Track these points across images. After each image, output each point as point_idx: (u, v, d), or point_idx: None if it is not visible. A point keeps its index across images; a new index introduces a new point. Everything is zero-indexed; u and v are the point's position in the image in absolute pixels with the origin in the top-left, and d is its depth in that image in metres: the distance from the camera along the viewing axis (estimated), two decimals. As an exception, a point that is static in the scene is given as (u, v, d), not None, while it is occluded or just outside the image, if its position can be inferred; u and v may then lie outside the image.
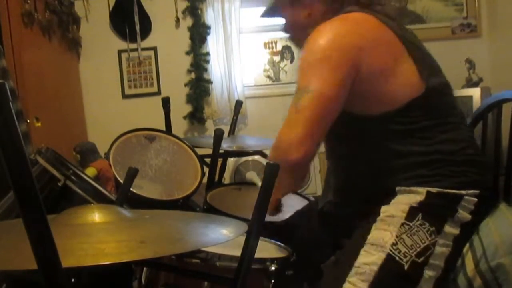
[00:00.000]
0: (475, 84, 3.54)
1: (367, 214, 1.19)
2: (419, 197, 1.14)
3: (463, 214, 1.14)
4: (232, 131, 2.60)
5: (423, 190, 1.15)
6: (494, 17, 3.90)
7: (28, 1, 3.03)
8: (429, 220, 1.12)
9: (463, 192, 1.15)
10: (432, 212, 1.14)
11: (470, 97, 3.20)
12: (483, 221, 1.17)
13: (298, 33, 1.37)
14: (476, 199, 1.15)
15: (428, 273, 1.10)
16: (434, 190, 1.14)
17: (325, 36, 1.19)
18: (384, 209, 1.17)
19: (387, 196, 1.18)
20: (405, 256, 1.10)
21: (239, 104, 2.64)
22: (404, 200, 1.15)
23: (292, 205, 1.68)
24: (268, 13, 1.48)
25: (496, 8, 3.87)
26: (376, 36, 1.20)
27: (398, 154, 1.19)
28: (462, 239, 1.14)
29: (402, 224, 1.12)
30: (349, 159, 1.30)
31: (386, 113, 1.18)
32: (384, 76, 1.17)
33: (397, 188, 1.17)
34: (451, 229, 1.13)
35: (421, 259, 1.10)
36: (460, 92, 3.30)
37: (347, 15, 1.23)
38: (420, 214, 1.13)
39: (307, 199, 1.96)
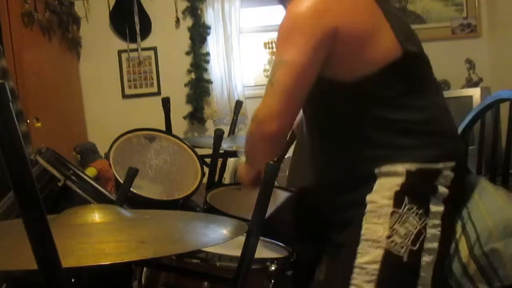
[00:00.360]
0: (475, 84, 3.54)
1: (353, 204, 1.18)
2: (400, 179, 1.14)
3: (442, 189, 1.14)
4: (232, 131, 2.60)
5: (402, 169, 1.14)
6: (494, 17, 3.90)
7: (28, 1, 3.03)
8: (415, 202, 1.12)
9: (440, 165, 1.14)
10: (416, 193, 1.13)
11: (470, 97, 3.20)
12: (471, 200, 1.17)
13: None
14: (452, 175, 1.15)
15: (425, 259, 1.10)
16: (412, 167, 1.14)
17: (301, 4, 1.17)
18: (369, 198, 1.16)
19: (368, 181, 1.17)
20: (402, 247, 1.09)
21: (239, 104, 2.64)
22: (387, 184, 1.14)
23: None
24: None
25: (496, 8, 3.87)
26: (354, 2, 1.19)
27: (376, 122, 1.18)
28: (448, 216, 1.14)
29: (392, 213, 1.12)
30: (329, 135, 1.28)
31: (363, 77, 1.16)
32: (363, 40, 1.16)
33: (376, 170, 1.16)
34: (436, 208, 1.13)
35: (417, 246, 1.10)
36: (460, 92, 3.30)
37: None
38: (406, 198, 1.12)
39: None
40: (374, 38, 1.17)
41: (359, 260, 1.11)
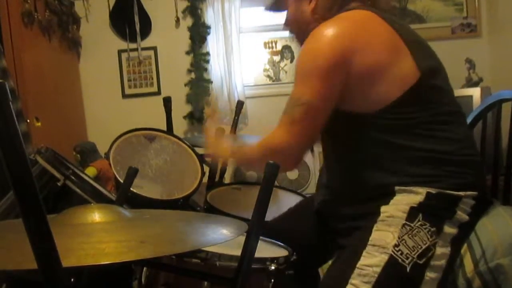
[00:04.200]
0: (475, 84, 3.54)
1: (366, 214, 1.18)
2: (419, 198, 1.14)
3: (461, 215, 1.14)
4: (233, 131, 2.59)
5: (422, 190, 1.14)
6: (494, 17, 3.90)
7: (28, 1, 3.03)
8: (429, 220, 1.12)
9: (461, 193, 1.15)
10: (432, 213, 1.13)
11: (470, 97, 3.20)
12: (480, 220, 1.17)
13: (301, 28, 1.37)
14: (473, 201, 1.15)
15: (429, 275, 1.10)
16: (433, 190, 1.14)
17: (318, 42, 1.21)
18: (384, 209, 1.16)
19: (386, 196, 1.17)
20: (407, 258, 1.09)
21: (240, 104, 2.63)
22: (404, 201, 1.15)
23: (287, 203, 1.69)
24: (273, 7, 1.48)
25: (496, 8, 3.87)
26: (372, 35, 1.21)
27: (397, 149, 1.19)
28: (459, 239, 1.14)
29: (403, 225, 1.12)
30: (347, 157, 1.29)
31: (383, 108, 1.18)
32: (379, 72, 1.18)
33: (396, 188, 1.17)
34: (449, 229, 1.13)
35: (423, 260, 1.10)
36: (460, 92, 3.30)
37: (345, 15, 1.24)
38: (420, 215, 1.13)
39: (302, 196, 1.96)
40: (391, 68, 1.18)
41: (362, 262, 1.11)
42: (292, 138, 1.22)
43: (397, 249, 1.10)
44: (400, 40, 1.20)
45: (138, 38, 3.90)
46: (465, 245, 1.15)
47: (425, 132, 1.18)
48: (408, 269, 1.09)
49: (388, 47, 1.19)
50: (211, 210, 1.70)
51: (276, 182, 0.95)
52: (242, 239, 0.89)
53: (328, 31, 1.20)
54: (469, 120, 1.58)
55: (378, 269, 1.09)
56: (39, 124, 2.95)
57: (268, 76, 4.10)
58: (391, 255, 1.10)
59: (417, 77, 1.17)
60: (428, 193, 1.14)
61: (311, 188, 3.55)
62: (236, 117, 2.58)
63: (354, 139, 1.25)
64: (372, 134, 1.20)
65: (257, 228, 0.89)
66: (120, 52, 3.97)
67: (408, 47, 1.19)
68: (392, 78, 1.17)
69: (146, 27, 3.93)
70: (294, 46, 4.04)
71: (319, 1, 1.31)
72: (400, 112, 1.17)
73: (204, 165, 1.93)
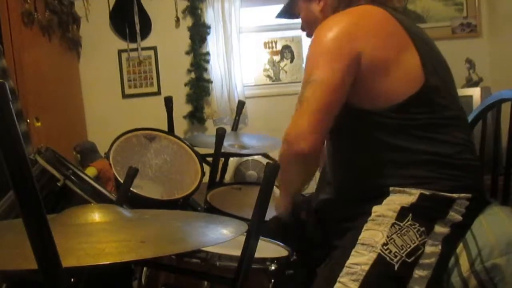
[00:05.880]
0: (475, 84, 3.54)
1: (359, 214, 1.19)
2: (411, 199, 1.15)
3: (454, 216, 1.15)
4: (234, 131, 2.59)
5: (416, 191, 1.15)
6: (494, 17, 3.90)
7: (28, 1, 3.03)
8: (419, 220, 1.13)
9: (455, 195, 1.15)
10: (423, 213, 1.14)
11: (470, 97, 3.19)
12: (476, 219, 1.17)
13: (314, 29, 1.38)
14: (468, 202, 1.16)
15: (418, 273, 1.10)
16: (427, 192, 1.15)
17: (327, 29, 1.21)
18: (375, 209, 1.17)
19: (380, 196, 1.18)
20: (396, 256, 1.10)
21: (241, 104, 2.63)
22: (396, 201, 1.16)
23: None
24: (285, 13, 1.50)
25: (496, 8, 3.87)
26: (380, 27, 1.21)
27: (396, 150, 1.19)
28: (452, 238, 1.15)
29: (393, 224, 1.13)
30: (348, 154, 1.30)
31: (389, 107, 1.18)
32: (386, 67, 1.18)
33: (391, 188, 1.17)
34: (440, 229, 1.14)
35: (411, 259, 1.10)
36: (460, 92, 3.26)
37: (352, 8, 1.26)
38: (410, 215, 1.13)
39: (302, 195, 1.95)
40: (398, 66, 1.18)
41: (351, 260, 1.12)
42: (300, 117, 1.16)
43: (385, 247, 1.11)
44: (409, 39, 1.20)
45: (138, 38, 3.90)
46: (461, 244, 1.15)
47: (426, 135, 1.18)
48: (396, 267, 1.10)
49: (396, 43, 1.20)
50: (211, 210, 1.70)
51: (276, 182, 0.95)
52: (242, 239, 0.89)
53: (338, 20, 1.22)
54: (469, 120, 1.58)
55: (366, 267, 1.10)
56: (39, 124, 2.95)
57: (268, 76, 4.10)
58: (379, 253, 1.11)
59: (424, 79, 1.17)
60: (421, 194, 1.15)
61: (311, 188, 3.55)
62: (236, 117, 2.58)
63: (356, 139, 1.25)
64: (374, 134, 1.20)
65: (257, 228, 0.89)
66: (120, 52, 3.97)
67: (416, 47, 1.19)
68: (400, 75, 1.17)
69: (146, 27, 3.93)
70: (294, 46, 4.05)
71: (327, 1, 1.34)
72: (406, 112, 1.18)
73: (204, 165, 1.94)
